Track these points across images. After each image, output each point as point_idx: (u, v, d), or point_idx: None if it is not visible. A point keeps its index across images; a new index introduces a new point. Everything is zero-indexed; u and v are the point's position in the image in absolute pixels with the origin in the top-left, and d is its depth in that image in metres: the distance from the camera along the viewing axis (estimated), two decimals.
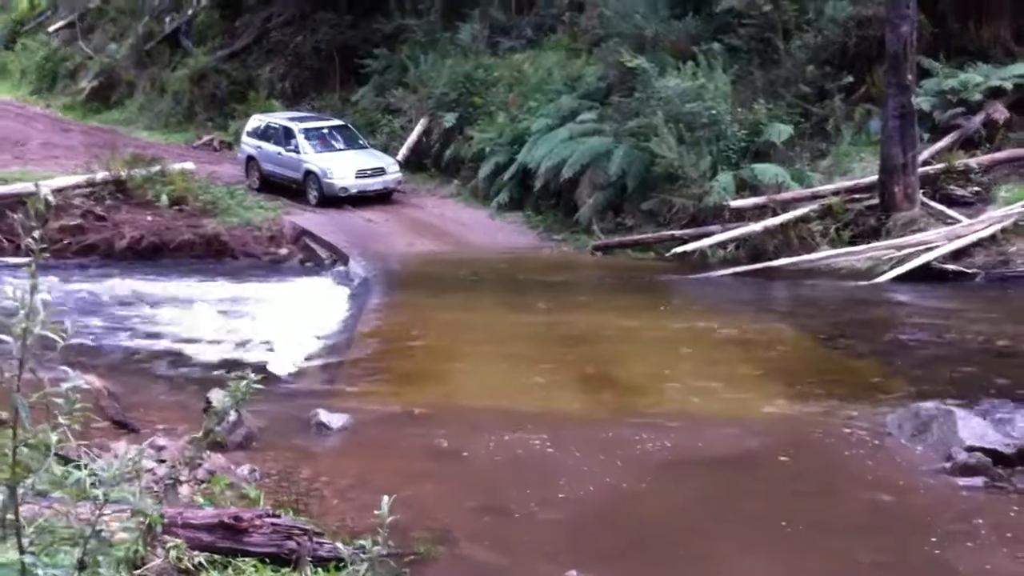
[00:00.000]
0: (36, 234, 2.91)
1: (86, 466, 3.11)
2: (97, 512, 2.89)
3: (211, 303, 17.81)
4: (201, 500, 7.18)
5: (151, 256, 21.25)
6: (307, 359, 14.27)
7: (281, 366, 13.65)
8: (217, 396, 10.19)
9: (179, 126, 33.85)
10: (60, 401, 2.79)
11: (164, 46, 37.10)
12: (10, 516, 2.80)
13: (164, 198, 22.52)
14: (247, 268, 21.05)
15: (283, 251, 21.91)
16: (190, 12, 38.13)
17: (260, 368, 12.33)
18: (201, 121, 33.51)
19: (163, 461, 8.50)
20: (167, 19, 38.32)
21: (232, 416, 8.06)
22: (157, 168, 23.24)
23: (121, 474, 2.94)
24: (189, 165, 24.54)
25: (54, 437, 2.75)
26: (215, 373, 13.02)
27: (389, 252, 20.75)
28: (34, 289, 2.75)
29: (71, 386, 2.82)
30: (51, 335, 2.78)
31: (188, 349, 14.94)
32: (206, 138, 31.87)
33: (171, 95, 34.95)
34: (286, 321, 16.47)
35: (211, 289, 19.03)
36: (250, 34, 35.45)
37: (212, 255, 21.63)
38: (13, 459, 2.59)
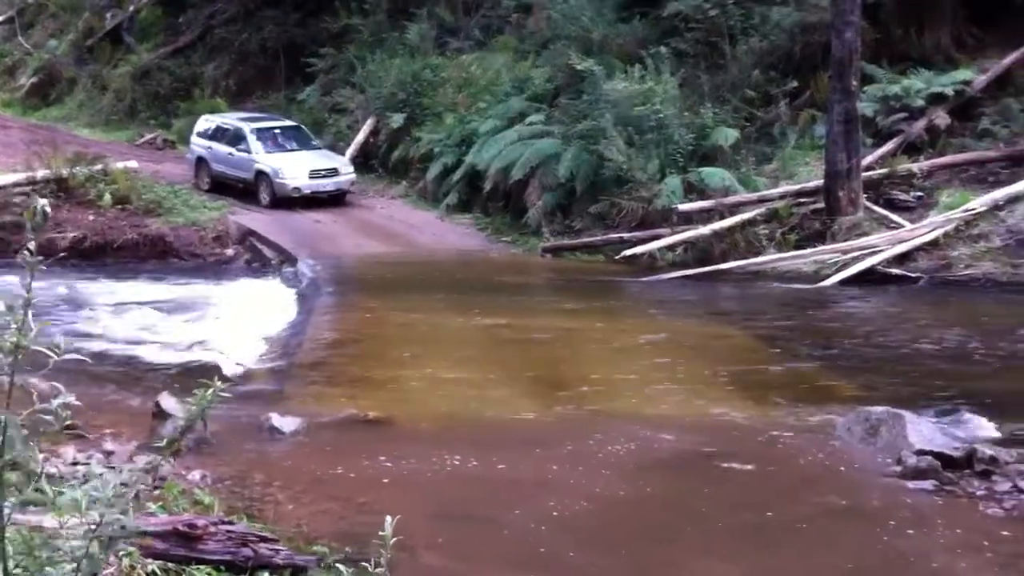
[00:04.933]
0: (31, 245, 2.82)
1: (62, 479, 3.04)
2: (91, 535, 2.82)
3: (156, 304, 17.57)
4: (154, 507, 7.05)
5: (94, 256, 20.94)
6: (256, 361, 14.14)
7: (230, 368, 13.50)
8: (168, 401, 10.09)
9: (120, 124, 33.37)
10: (48, 418, 2.73)
11: (106, 42, 36.58)
12: None
13: (107, 197, 22.19)
14: (193, 269, 20.85)
15: (229, 252, 21.69)
16: (132, 8, 37.64)
17: (209, 371, 12.24)
18: (143, 119, 33.10)
19: (112, 467, 8.36)
20: (109, 15, 37.81)
21: (182, 421, 7.98)
22: (99, 167, 22.88)
23: (116, 495, 2.88)
24: (132, 164, 24.19)
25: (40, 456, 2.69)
26: (162, 376, 12.91)
27: (337, 253, 20.63)
28: (28, 304, 2.68)
29: (61, 402, 2.75)
30: (45, 351, 2.71)
31: (134, 351, 14.74)
32: (149, 136, 31.43)
33: (113, 92, 34.46)
34: (234, 323, 16.30)
35: (156, 290, 18.79)
36: (194, 31, 35.09)
37: (157, 256, 21.42)
38: (1, 479, 2.51)
